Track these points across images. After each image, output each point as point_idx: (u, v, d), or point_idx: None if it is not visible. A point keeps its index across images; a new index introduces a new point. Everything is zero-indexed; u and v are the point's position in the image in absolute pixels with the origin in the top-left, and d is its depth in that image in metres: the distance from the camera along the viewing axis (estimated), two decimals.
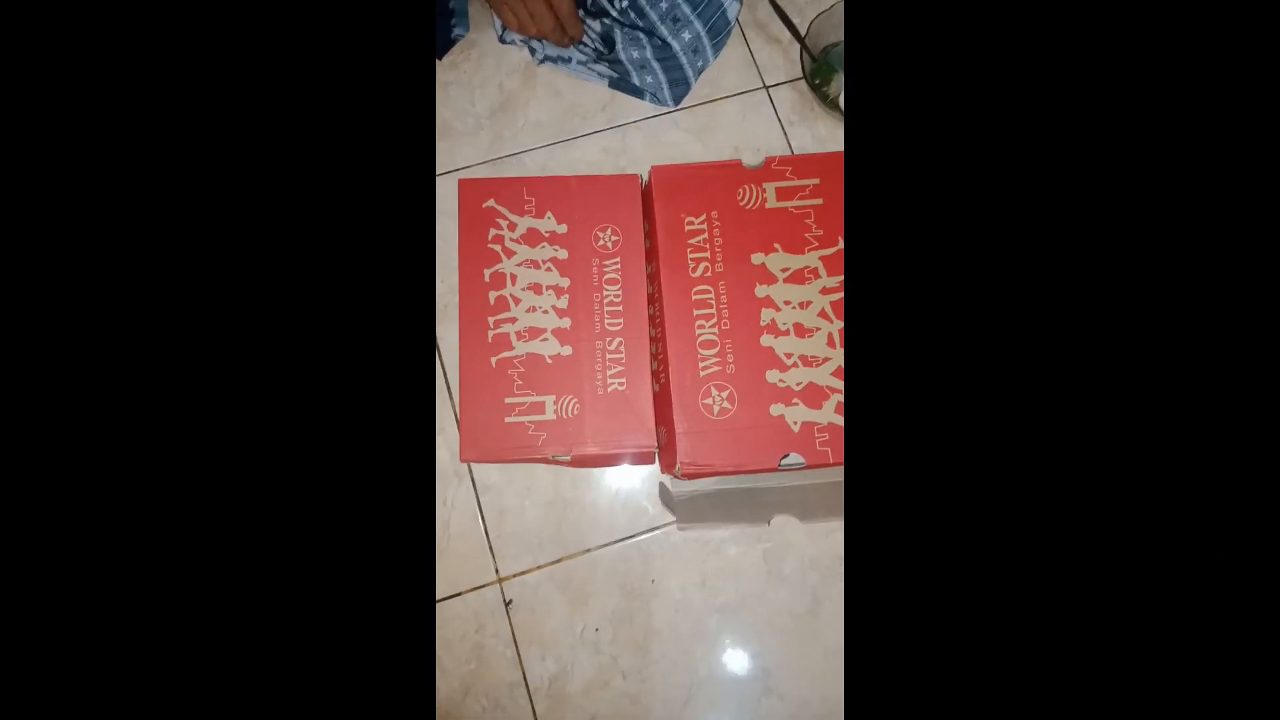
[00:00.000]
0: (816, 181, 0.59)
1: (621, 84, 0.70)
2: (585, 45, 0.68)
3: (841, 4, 0.70)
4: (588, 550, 0.61)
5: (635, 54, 0.66)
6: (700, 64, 0.68)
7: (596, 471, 0.62)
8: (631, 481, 0.62)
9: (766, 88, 0.72)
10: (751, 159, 0.60)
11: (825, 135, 0.71)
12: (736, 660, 0.60)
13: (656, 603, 0.60)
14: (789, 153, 0.70)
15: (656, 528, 0.61)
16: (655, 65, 0.66)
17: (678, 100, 0.70)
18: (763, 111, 0.72)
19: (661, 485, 0.61)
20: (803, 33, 0.70)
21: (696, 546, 0.61)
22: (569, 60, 0.70)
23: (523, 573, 0.60)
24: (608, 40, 0.66)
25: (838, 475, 0.59)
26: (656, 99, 0.70)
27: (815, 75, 0.68)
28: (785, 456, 0.54)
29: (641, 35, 0.65)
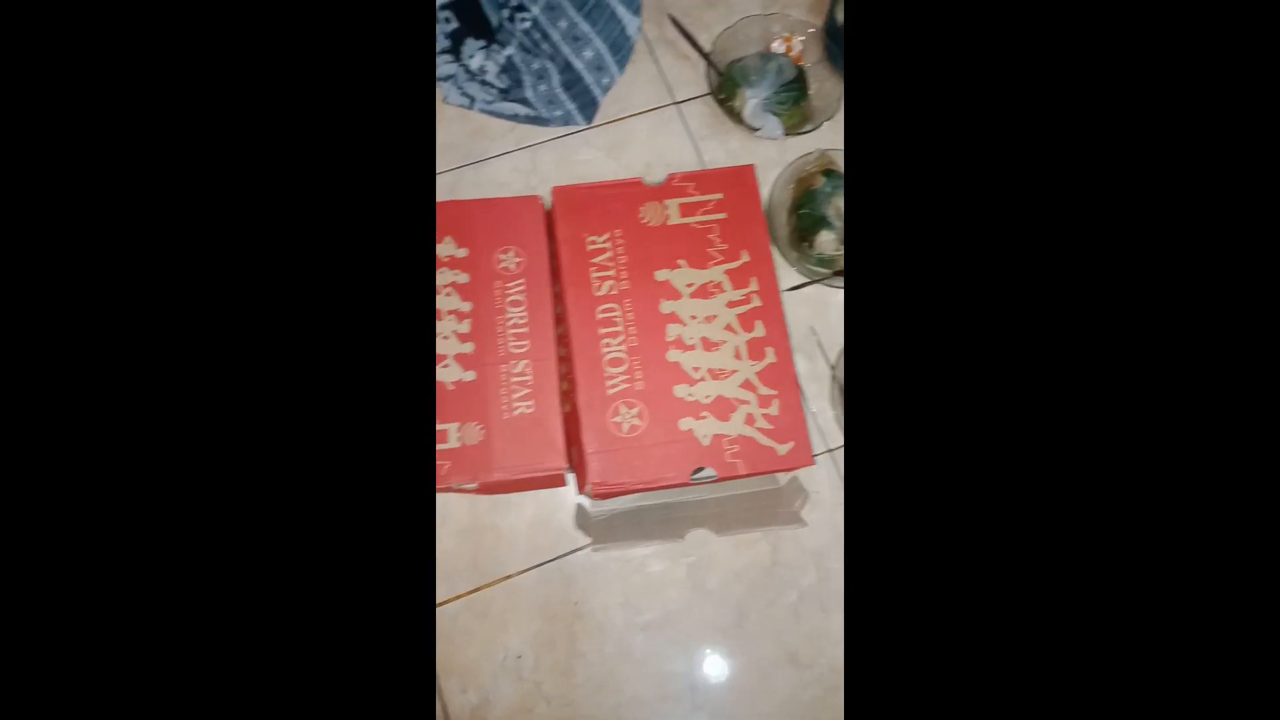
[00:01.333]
0: (719, 196, 0.59)
1: (532, 119, 0.70)
2: (491, 85, 0.68)
3: (745, 20, 0.72)
4: (507, 576, 0.60)
5: (543, 89, 0.66)
6: (606, 81, 0.69)
7: (515, 495, 0.62)
8: (552, 504, 0.62)
9: (677, 103, 0.73)
10: (653, 177, 0.60)
11: (737, 149, 0.72)
12: (663, 678, 0.59)
13: (580, 625, 0.59)
14: (701, 167, 0.71)
15: (579, 549, 0.60)
16: (563, 96, 0.67)
17: (589, 119, 0.70)
18: (674, 127, 0.72)
19: (579, 507, 0.60)
20: (708, 49, 0.71)
21: (619, 565, 0.61)
22: (474, 101, 0.70)
23: (439, 604, 0.59)
24: (513, 76, 0.66)
25: (752, 486, 0.60)
26: (569, 122, 0.70)
27: (721, 90, 0.69)
28: (697, 470, 0.54)
29: (549, 65, 0.65)
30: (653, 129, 0.72)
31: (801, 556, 0.62)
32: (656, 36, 0.75)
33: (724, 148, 0.72)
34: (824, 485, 0.64)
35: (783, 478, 0.61)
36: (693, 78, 0.74)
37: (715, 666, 0.59)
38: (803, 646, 0.60)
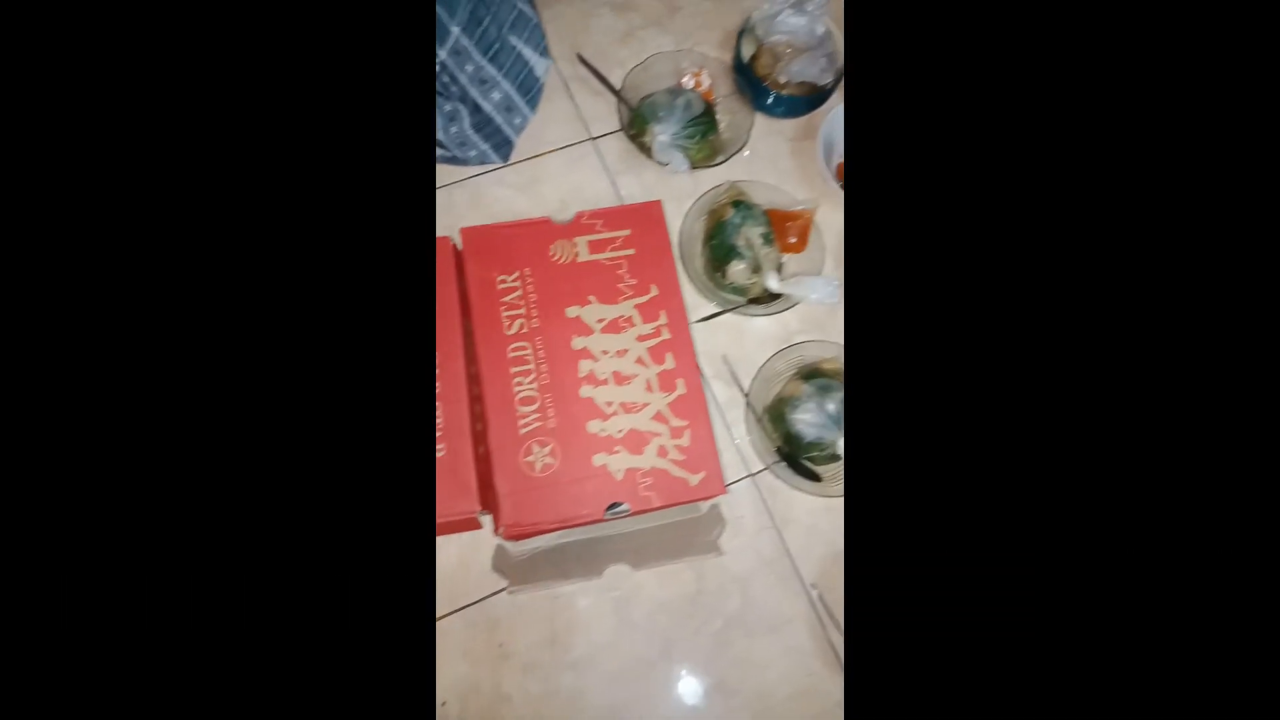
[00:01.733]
0: (627, 233, 0.61)
1: (448, 160, 0.70)
2: None
3: (655, 56, 0.73)
4: None
5: (454, 130, 0.66)
6: (518, 121, 0.70)
7: (437, 539, 0.61)
8: (473, 546, 0.61)
9: (593, 139, 0.74)
10: (566, 213, 0.61)
11: (652, 182, 0.73)
12: (592, 715, 0.59)
13: (505, 667, 0.59)
14: (618, 201, 0.72)
15: (500, 591, 0.60)
16: (474, 137, 0.67)
17: (505, 158, 0.71)
18: (589, 162, 0.74)
19: (499, 548, 0.60)
20: (620, 85, 0.73)
21: (545, 604, 0.60)
22: None
23: None
24: None
25: (673, 516, 0.60)
26: (485, 161, 0.71)
27: (632, 126, 0.71)
28: (611, 506, 0.54)
29: (460, 107, 0.66)
30: (568, 165, 0.73)
31: (726, 583, 0.63)
32: (571, 74, 0.77)
33: (639, 181, 0.73)
34: (747, 510, 0.65)
35: (704, 506, 0.62)
36: (608, 113, 0.75)
37: (642, 699, 0.59)
38: (729, 673, 0.60)
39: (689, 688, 0.60)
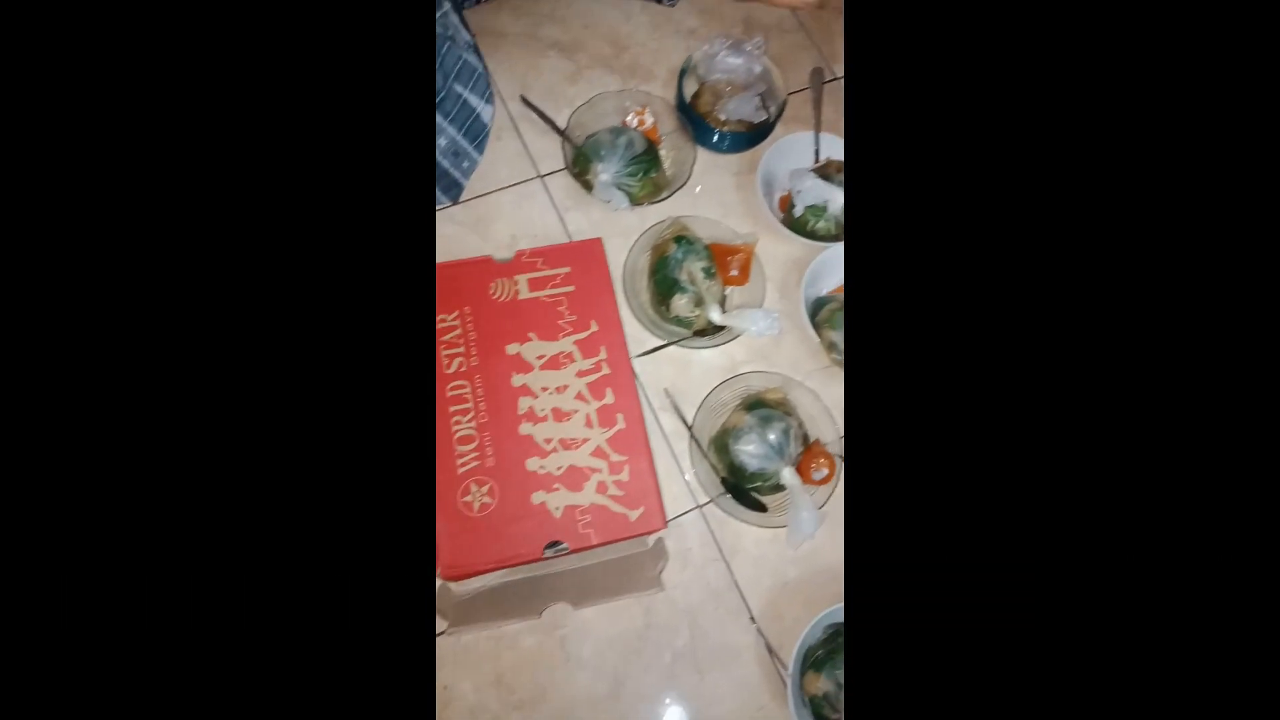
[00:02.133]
0: (567, 270, 0.62)
1: None
2: None
3: (599, 96, 0.75)
4: None
5: None
6: (466, 164, 0.71)
7: None
8: None
9: (541, 176, 0.76)
10: (502, 253, 0.62)
11: (599, 219, 0.74)
12: None
13: (449, 712, 0.58)
14: (566, 237, 0.73)
15: (442, 632, 0.60)
16: None
17: (455, 199, 0.72)
18: (538, 199, 0.75)
19: (442, 586, 0.60)
20: (565, 124, 0.74)
21: (490, 644, 0.60)
22: None
23: None
24: None
25: (620, 551, 0.60)
26: (435, 204, 0.72)
27: (575, 165, 0.72)
28: (550, 545, 0.54)
29: None
30: (517, 202, 0.75)
31: (674, 617, 0.62)
32: (520, 113, 0.78)
33: (587, 218, 0.74)
34: (694, 542, 0.65)
35: (649, 540, 0.62)
36: (556, 151, 0.77)
37: None
38: (679, 708, 0.60)
39: None
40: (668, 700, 0.60)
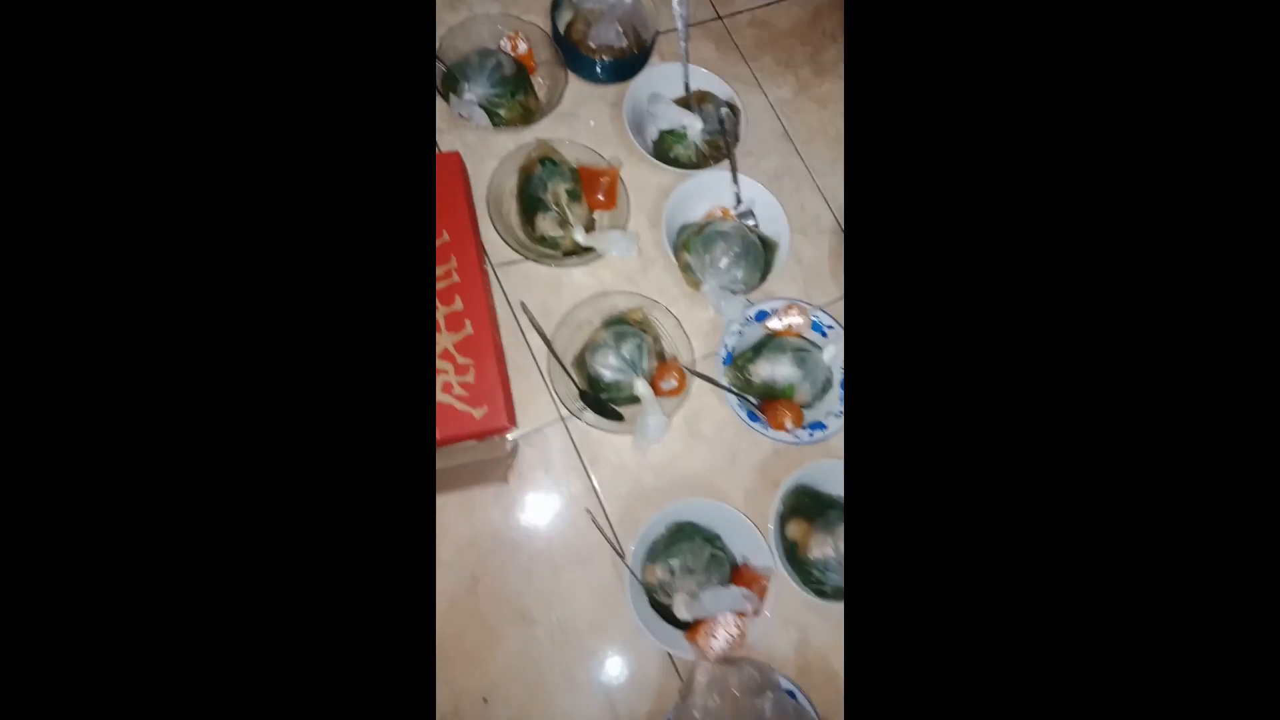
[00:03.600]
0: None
1: None
2: None
3: (473, 19, 0.75)
4: None
5: None
6: None
7: None
8: None
9: None
10: None
11: (474, 143, 0.75)
12: None
13: None
14: None
15: None
16: None
17: None
18: None
19: None
20: (437, 47, 0.74)
21: None
22: None
23: None
24: None
25: (479, 454, 0.62)
26: None
27: (445, 85, 0.73)
28: None
29: None
30: None
31: (533, 520, 0.65)
32: None
33: (461, 140, 0.75)
34: (556, 452, 0.68)
35: (506, 443, 0.64)
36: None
37: (450, 631, 0.61)
38: (534, 604, 0.63)
39: (493, 618, 0.62)
40: (523, 595, 0.63)
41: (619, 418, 0.66)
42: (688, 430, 0.71)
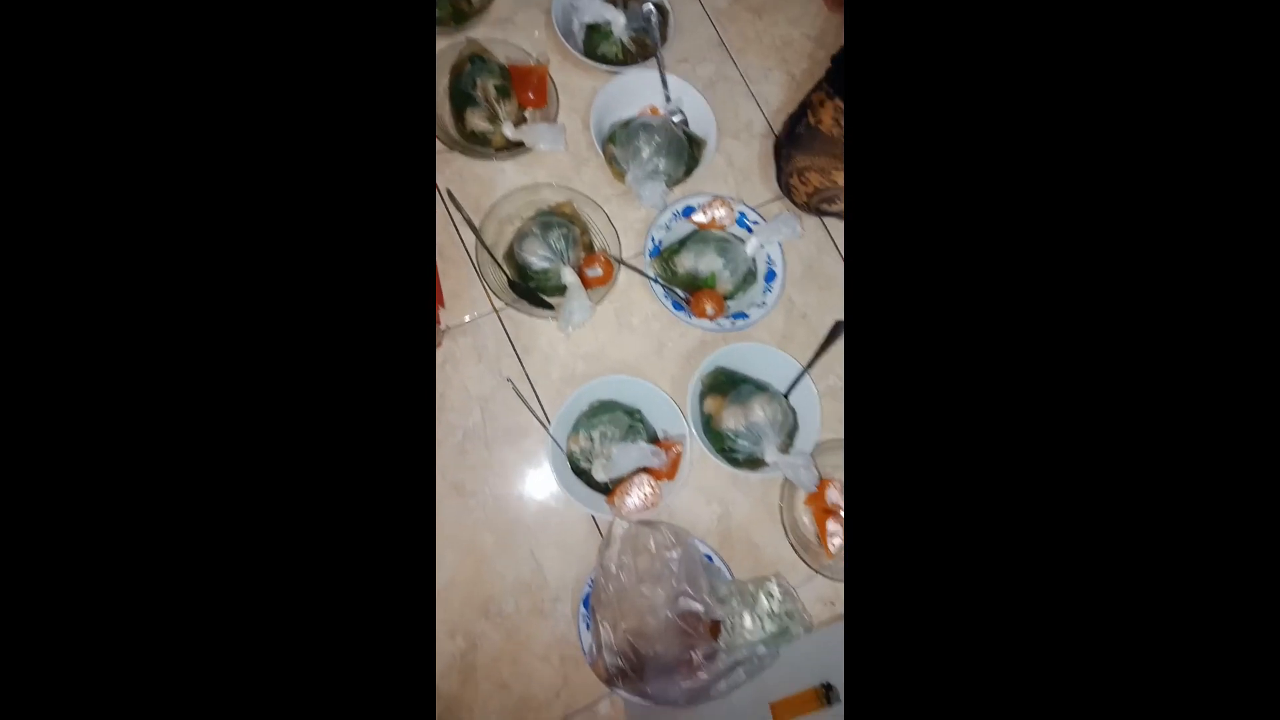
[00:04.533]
0: None
1: None
2: None
3: None
4: None
5: None
6: None
7: None
8: None
9: None
10: None
11: None
12: None
13: None
14: None
15: None
16: None
17: None
18: None
19: None
20: None
21: None
22: None
23: None
24: None
25: None
26: None
27: None
28: None
29: None
30: None
31: (467, 402, 0.69)
32: None
33: None
34: (489, 340, 0.71)
35: (439, 332, 0.67)
36: None
37: None
38: (467, 478, 0.67)
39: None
40: (457, 470, 0.67)
41: (548, 306, 0.70)
42: (617, 321, 0.74)
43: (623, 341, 0.73)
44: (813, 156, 0.71)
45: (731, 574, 0.66)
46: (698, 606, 0.55)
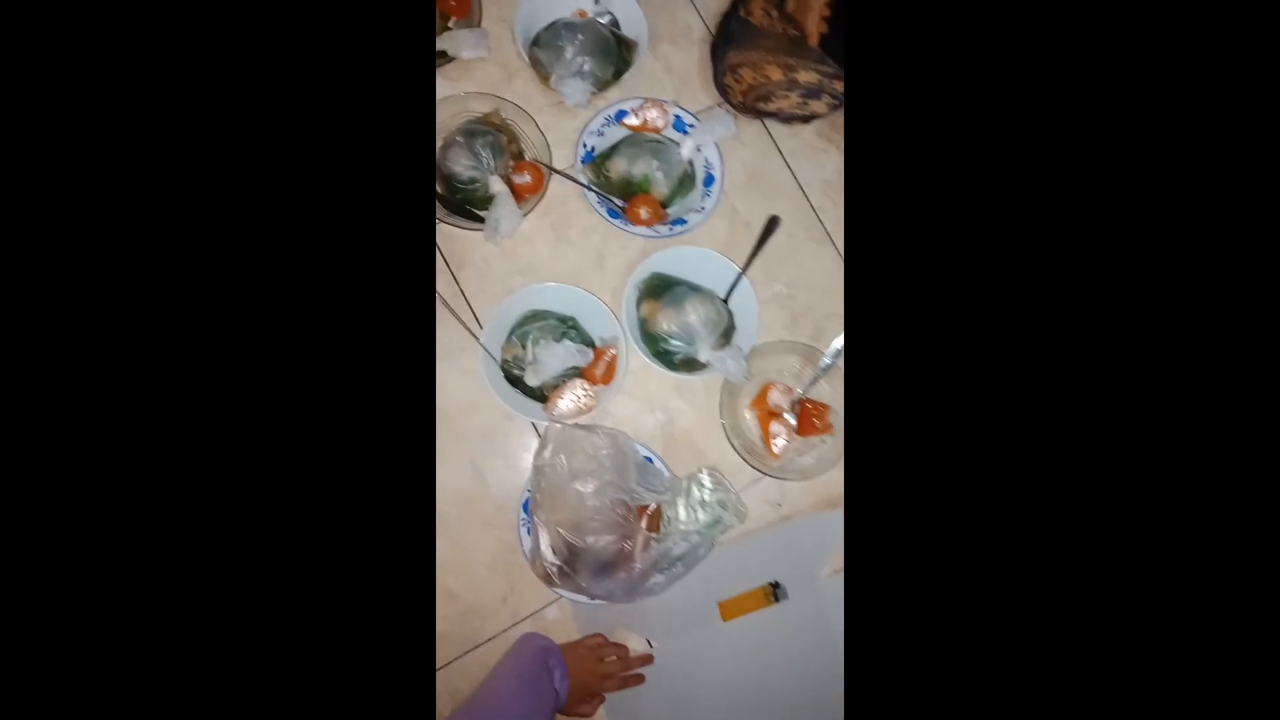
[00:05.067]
0: None
1: None
2: None
3: None
4: None
5: None
6: None
7: None
8: None
9: None
10: None
11: None
12: None
13: None
14: None
15: None
16: None
17: None
18: None
19: None
20: None
21: None
22: None
23: None
24: None
25: None
26: None
27: None
28: None
29: None
30: None
31: None
32: None
33: None
34: None
35: None
36: None
37: None
38: None
39: None
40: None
41: (479, 220, 0.68)
42: (555, 234, 0.73)
43: (561, 254, 0.72)
44: (744, 52, 0.69)
45: (671, 473, 0.66)
46: (624, 496, 0.55)
